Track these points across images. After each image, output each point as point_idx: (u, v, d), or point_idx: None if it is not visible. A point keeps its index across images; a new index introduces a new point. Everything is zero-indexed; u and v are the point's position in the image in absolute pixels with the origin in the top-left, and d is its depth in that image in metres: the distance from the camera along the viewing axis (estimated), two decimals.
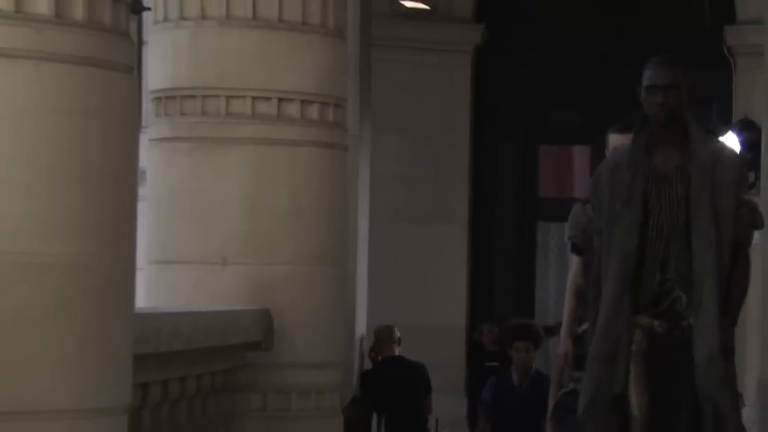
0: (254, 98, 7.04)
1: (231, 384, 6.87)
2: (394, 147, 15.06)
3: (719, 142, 7.59)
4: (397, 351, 12.49)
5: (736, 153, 7.65)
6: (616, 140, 8.12)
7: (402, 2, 15.51)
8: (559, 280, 15.41)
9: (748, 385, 12.64)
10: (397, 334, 12.52)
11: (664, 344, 7.13)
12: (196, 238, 6.97)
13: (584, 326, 7.94)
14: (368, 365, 12.88)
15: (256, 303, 6.99)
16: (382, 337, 12.59)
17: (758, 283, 12.80)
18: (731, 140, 12.34)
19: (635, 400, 7.10)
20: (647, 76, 7.17)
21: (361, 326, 13.12)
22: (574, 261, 8.70)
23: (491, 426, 11.04)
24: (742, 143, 12.44)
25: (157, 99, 7.05)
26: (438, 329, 15.12)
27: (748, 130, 12.60)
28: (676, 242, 7.11)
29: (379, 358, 12.59)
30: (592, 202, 7.51)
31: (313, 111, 7.30)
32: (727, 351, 7.06)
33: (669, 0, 15.40)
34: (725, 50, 15.27)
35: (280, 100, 7.12)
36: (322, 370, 7.47)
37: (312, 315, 7.34)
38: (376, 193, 14.05)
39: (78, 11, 3.97)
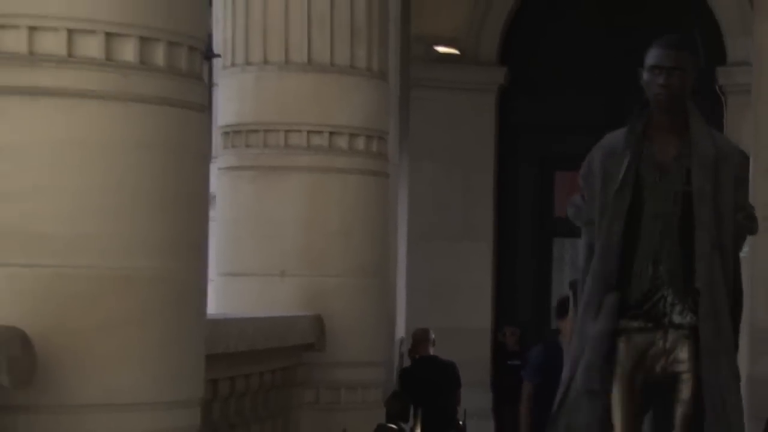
0: (309, 132, 7.05)
1: (288, 380, 6.87)
2: (429, 173, 15.05)
3: (723, 137, 6.08)
4: (432, 351, 12.46)
5: (741, 150, 5.99)
6: None
7: (436, 48, 15.52)
8: None
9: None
10: (432, 335, 12.49)
11: (646, 348, 5.80)
12: (259, 254, 6.99)
13: None
14: (407, 363, 12.85)
15: (311, 310, 7.00)
16: (419, 338, 12.57)
17: (745, 287, 12.75)
18: None
19: (618, 412, 5.80)
20: (652, 55, 5.82)
21: (401, 330, 13.11)
22: None
23: (533, 387, 10.71)
24: None
25: (226, 133, 7.08)
26: (466, 332, 15.08)
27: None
28: (671, 237, 5.75)
29: (416, 356, 12.56)
30: (582, 190, 6.03)
31: (360, 143, 7.31)
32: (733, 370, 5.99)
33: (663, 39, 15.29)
34: (717, 88, 15.23)
35: (331, 133, 7.14)
36: (367, 368, 7.47)
37: (358, 320, 7.34)
38: (413, 214, 14.05)
39: (159, 58, 3.98)
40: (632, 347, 5.78)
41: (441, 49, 15.68)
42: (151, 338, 4.00)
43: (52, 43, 3.82)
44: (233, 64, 7.04)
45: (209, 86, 6.00)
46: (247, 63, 6.98)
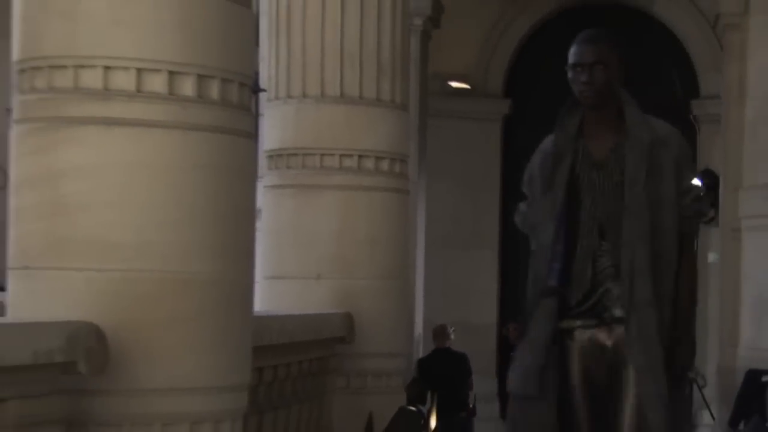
0: (341, 155, 7.05)
1: (323, 368, 6.87)
2: (443, 191, 15.04)
3: (662, 122, 4.98)
4: (448, 344, 12.44)
5: (678, 133, 4.97)
6: None
7: (450, 83, 15.53)
8: None
9: (709, 369, 12.53)
10: (450, 330, 12.46)
11: (591, 346, 4.85)
12: (298, 260, 6.99)
13: None
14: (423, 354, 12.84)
15: (342, 308, 6.99)
16: (437, 333, 12.55)
17: (716, 276, 12.78)
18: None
19: (576, 416, 4.89)
20: (571, 53, 4.92)
21: (419, 325, 13.11)
22: None
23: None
24: (705, 187, 12.33)
25: (270, 156, 7.09)
26: (475, 327, 15.06)
27: (709, 177, 12.58)
28: (612, 234, 4.81)
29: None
30: (526, 196, 5.17)
31: (384, 165, 7.30)
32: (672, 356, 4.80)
33: (648, 77, 15.30)
34: (692, 118, 15.21)
35: (360, 156, 7.13)
36: (390, 358, 7.46)
37: (382, 317, 7.33)
38: (429, 225, 14.07)
39: (214, 93, 4.01)
40: (577, 347, 4.88)
41: (454, 84, 15.68)
42: (206, 332, 4.01)
43: (124, 81, 3.85)
44: (276, 98, 7.06)
45: (256, 116, 6.02)
46: (289, 96, 6.99)
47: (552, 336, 4.82)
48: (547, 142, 5.01)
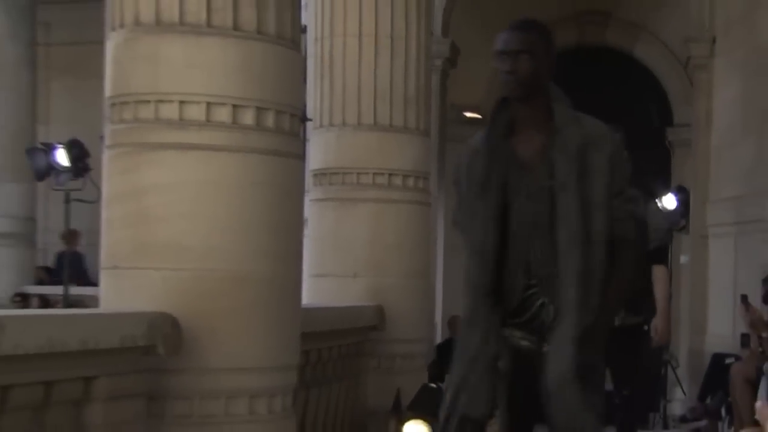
0: (374, 174, 7.05)
1: (358, 352, 6.87)
2: None
3: (593, 120, 3.87)
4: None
5: (611, 133, 3.88)
6: None
7: (464, 113, 15.52)
8: None
9: (682, 353, 12.48)
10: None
11: (531, 362, 3.71)
12: (338, 261, 6.99)
13: None
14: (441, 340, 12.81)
15: (374, 301, 6.98)
16: (452, 323, 12.51)
17: (687, 275, 12.74)
18: (670, 200, 12.19)
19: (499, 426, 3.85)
20: (497, 40, 3.76)
21: (438, 317, 13.08)
22: None
23: None
24: (678, 200, 12.29)
25: (315, 174, 7.10)
26: None
27: (682, 192, 12.48)
28: (542, 240, 3.69)
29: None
30: (456, 195, 4.01)
31: (410, 182, 7.30)
32: (588, 370, 3.65)
33: (630, 109, 15.26)
34: (667, 143, 15.14)
35: (389, 174, 7.13)
36: (415, 343, 7.45)
37: (408, 309, 7.32)
38: (447, 232, 13.99)
39: (269, 122, 4.03)
40: (519, 363, 3.76)
41: (468, 114, 15.65)
42: (261, 321, 4.03)
43: (196, 113, 3.88)
44: (321, 126, 7.08)
45: (304, 141, 6.04)
46: (331, 125, 7.01)
47: (496, 356, 3.73)
48: (477, 139, 3.89)
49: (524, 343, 3.77)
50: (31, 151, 11.65)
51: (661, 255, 6.21)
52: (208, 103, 3.88)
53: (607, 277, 3.73)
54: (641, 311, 6.02)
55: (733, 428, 8.20)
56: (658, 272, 6.16)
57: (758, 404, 4.00)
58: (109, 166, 4.00)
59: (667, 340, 6.36)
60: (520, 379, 3.76)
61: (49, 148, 11.25)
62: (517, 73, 3.71)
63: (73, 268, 12.28)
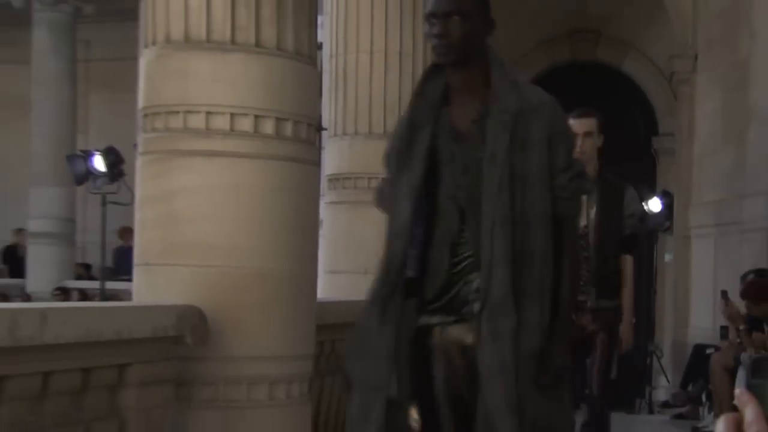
0: (383, 178, 7.05)
1: None
2: None
3: (534, 88, 3.28)
4: None
5: (553, 102, 3.20)
6: (572, 126, 4.25)
7: None
8: None
9: (666, 344, 12.45)
10: None
11: (451, 347, 3.11)
12: (350, 258, 6.99)
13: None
14: None
15: None
16: None
17: (671, 273, 12.72)
18: (655, 203, 12.15)
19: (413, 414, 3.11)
20: (427, 3, 3.20)
21: None
22: None
23: None
24: (663, 204, 12.27)
25: (330, 179, 7.10)
26: None
27: (666, 197, 12.45)
28: (472, 218, 3.07)
29: None
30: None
31: None
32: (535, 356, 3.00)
33: (618, 120, 15.24)
34: (653, 151, 15.13)
35: None
36: None
37: None
38: None
39: (288, 131, 4.03)
40: (437, 348, 3.13)
41: None
42: (281, 314, 4.03)
43: (221, 123, 3.88)
44: (335, 135, 7.08)
45: (319, 149, 6.05)
46: (344, 134, 7.01)
47: (402, 340, 3.05)
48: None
49: (442, 328, 3.11)
50: (71, 158, 11.70)
51: (632, 243, 5.45)
52: (232, 114, 3.88)
53: (559, 260, 3.06)
54: (616, 295, 5.34)
55: (713, 413, 8.18)
56: (625, 263, 5.45)
57: (737, 391, 4.03)
58: (141, 172, 4.01)
59: (628, 345, 5.45)
60: (437, 370, 3.12)
61: (88, 155, 11.30)
62: (448, 37, 3.09)
63: (128, 261, 12.31)
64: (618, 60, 15.83)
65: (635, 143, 15.00)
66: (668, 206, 12.49)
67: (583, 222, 4.86)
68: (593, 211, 5.23)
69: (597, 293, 5.20)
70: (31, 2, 16.83)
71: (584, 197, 4.12)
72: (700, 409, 8.86)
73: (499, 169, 3.00)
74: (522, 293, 2.99)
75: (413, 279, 3.12)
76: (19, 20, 16.80)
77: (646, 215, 11.03)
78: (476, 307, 3.03)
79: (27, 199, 15.74)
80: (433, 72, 3.22)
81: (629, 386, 10.85)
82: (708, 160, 11.24)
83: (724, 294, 7.96)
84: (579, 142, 4.90)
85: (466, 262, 3.10)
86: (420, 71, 7.31)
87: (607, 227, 5.26)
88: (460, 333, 3.11)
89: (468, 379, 3.07)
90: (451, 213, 3.12)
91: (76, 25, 16.42)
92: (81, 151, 12.11)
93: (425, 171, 3.10)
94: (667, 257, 13.66)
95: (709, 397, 8.42)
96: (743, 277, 7.96)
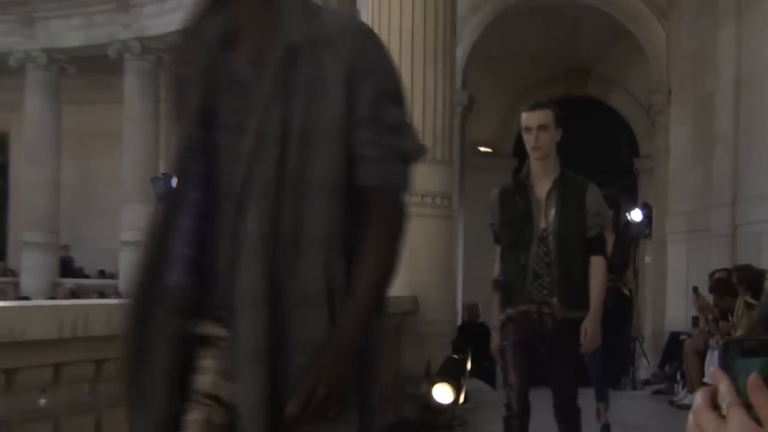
0: (411, 195, 7.00)
1: (398, 331, 6.80)
2: (475, 216, 14.91)
3: (337, 13, 1.80)
4: (477, 316, 12.27)
5: (357, 29, 1.62)
6: (525, 119, 4.05)
7: (479, 147, 15.46)
8: None
9: (647, 331, 12.28)
10: (478, 308, 12.29)
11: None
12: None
13: (502, 315, 4.22)
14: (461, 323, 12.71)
15: (410, 292, 6.95)
16: (471, 309, 12.42)
17: (651, 272, 12.57)
18: (637, 213, 11.99)
19: None
20: None
21: (459, 304, 12.97)
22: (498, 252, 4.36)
23: None
24: (644, 214, 12.13)
25: None
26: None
27: (646, 208, 12.35)
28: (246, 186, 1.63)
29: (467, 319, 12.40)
30: None
31: (438, 200, 7.27)
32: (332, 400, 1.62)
33: (604, 144, 15.09)
34: (635, 170, 15.00)
35: (422, 195, 7.11)
36: (441, 325, 7.40)
37: (438, 297, 7.28)
38: (466, 238, 13.95)
39: None
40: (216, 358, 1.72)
41: (482, 148, 15.61)
42: None
43: None
44: None
45: None
46: None
47: (174, 369, 1.69)
48: None
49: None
50: (154, 180, 11.76)
51: (599, 245, 4.03)
52: None
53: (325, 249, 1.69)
54: (584, 305, 3.95)
55: (686, 389, 8.08)
56: (595, 264, 3.97)
57: (711, 369, 3.89)
58: None
59: (595, 346, 3.98)
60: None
61: (167, 177, 11.32)
62: None
63: None
64: (605, 94, 15.78)
65: (620, 163, 14.90)
66: (648, 216, 12.35)
67: (542, 225, 3.92)
68: (552, 213, 3.96)
69: (561, 304, 3.95)
70: (123, 53, 17.05)
71: (542, 197, 3.88)
72: (675, 386, 8.73)
73: (270, 121, 1.66)
74: (284, 294, 1.66)
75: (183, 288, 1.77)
76: (113, 68, 17.05)
77: (629, 224, 10.88)
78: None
79: (119, 214, 15.85)
80: (209, 7, 1.78)
81: (616, 367, 10.70)
82: (681, 177, 11.14)
83: (695, 289, 7.90)
84: (533, 136, 3.98)
85: (243, 254, 1.69)
86: (440, 104, 7.25)
87: (569, 229, 3.95)
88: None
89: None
90: (229, 189, 1.72)
91: (159, 71, 16.55)
92: (162, 173, 12.16)
93: (195, 132, 1.74)
94: (648, 259, 13.51)
95: (683, 376, 8.30)
96: (711, 275, 7.83)
